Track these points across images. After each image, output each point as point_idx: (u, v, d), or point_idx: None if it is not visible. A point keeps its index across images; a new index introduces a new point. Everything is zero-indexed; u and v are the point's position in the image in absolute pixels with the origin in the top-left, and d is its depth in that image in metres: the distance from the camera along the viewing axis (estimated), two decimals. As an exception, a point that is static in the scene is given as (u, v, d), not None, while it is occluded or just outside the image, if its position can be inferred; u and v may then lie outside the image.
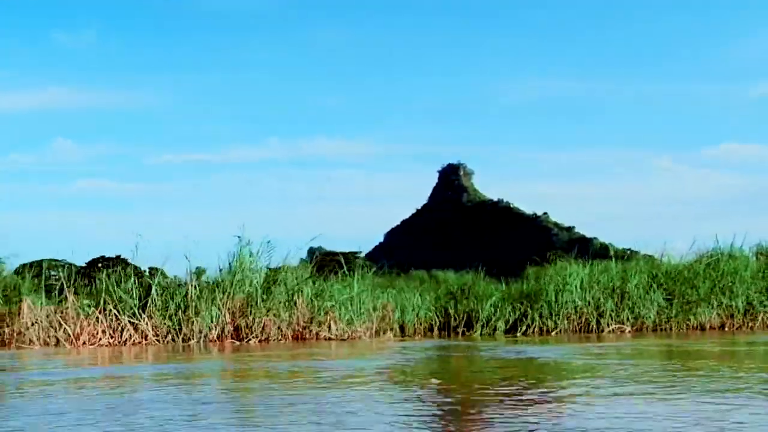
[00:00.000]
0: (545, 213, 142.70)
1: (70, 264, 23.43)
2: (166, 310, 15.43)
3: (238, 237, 16.53)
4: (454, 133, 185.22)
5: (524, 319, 17.33)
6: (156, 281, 15.76)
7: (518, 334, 16.95)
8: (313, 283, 16.40)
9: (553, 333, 17.02)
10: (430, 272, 26.98)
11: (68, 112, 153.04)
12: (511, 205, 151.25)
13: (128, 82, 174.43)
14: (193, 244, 16.45)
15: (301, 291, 16.03)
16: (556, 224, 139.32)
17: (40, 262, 19.21)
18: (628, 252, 25.16)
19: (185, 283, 15.94)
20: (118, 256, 64.71)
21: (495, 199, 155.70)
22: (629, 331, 17.22)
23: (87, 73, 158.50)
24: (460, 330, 17.48)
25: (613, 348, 13.36)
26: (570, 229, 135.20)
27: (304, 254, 19.88)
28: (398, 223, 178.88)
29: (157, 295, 15.57)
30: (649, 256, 21.39)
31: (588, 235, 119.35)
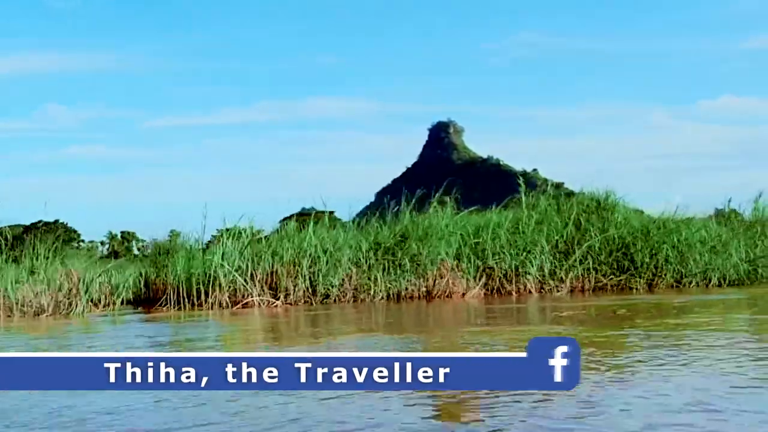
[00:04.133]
0: (535, 169, 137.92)
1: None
2: None
3: None
4: (445, 90, 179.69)
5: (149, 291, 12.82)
6: None
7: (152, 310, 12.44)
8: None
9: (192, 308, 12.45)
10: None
11: (59, 76, 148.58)
12: (501, 162, 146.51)
13: (118, 44, 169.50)
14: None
15: None
16: (545, 180, 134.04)
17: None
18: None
19: None
20: (56, 221, 61.02)
21: (485, 156, 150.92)
22: (278, 305, 12.58)
23: (76, 36, 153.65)
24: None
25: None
26: (559, 185, 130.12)
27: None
28: (389, 182, 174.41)
29: None
30: (639, 211, 17.59)
31: (578, 191, 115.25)
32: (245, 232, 13.02)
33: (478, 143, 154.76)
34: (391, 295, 13.54)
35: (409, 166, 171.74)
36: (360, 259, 13.31)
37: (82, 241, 57.32)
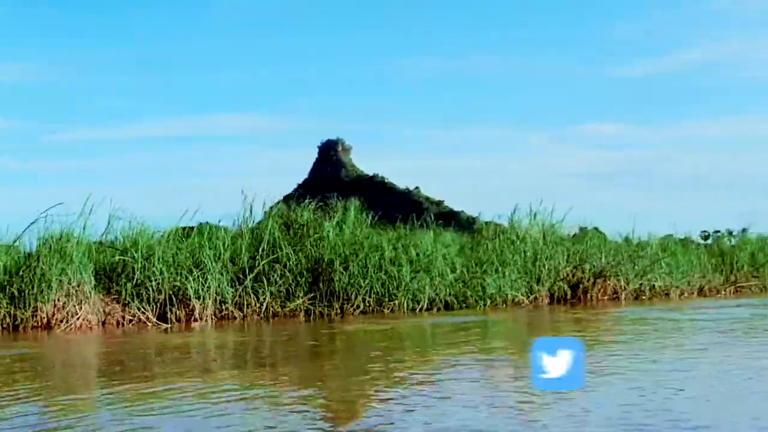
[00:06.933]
0: (417, 187, 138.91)
1: None
2: None
3: None
4: (335, 109, 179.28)
5: None
6: None
7: None
8: None
9: None
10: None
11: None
12: (385, 180, 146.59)
13: (23, 56, 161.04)
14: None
15: None
16: (427, 198, 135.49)
17: None
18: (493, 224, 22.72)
19: None
20: None
21: (371, 174, 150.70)
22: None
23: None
24: None
25: None
26: (440, 203, 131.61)
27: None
28: (280, 198, 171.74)
29: None
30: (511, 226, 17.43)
31: (456, 209, 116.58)
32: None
33: (365, 161, 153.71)
34: (6, 325, 11.36)
35: (300, 182, 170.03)
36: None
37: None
